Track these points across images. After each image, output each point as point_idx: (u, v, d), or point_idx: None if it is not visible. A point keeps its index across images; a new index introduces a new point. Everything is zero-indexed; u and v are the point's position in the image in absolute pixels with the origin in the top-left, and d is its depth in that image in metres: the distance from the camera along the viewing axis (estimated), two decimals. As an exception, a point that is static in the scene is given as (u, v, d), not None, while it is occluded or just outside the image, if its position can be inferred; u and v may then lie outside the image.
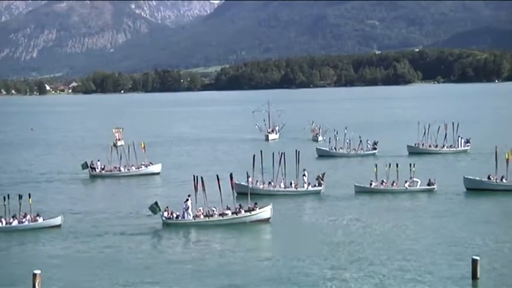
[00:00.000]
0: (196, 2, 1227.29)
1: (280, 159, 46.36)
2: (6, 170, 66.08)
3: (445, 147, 70.51)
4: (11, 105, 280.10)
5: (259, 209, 38.85)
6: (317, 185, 47.54)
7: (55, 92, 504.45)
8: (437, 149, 70.20)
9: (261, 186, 46.14)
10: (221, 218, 38.36)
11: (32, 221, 38.60)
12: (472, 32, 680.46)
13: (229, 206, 38.94)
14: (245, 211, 38.70)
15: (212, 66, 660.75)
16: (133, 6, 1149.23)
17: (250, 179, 44.27)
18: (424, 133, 70.61)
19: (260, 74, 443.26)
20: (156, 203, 38.72)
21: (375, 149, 70.13)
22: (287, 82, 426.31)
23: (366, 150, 69.95)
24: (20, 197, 38.88)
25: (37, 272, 26.30)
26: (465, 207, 42.52)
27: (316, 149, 72.14)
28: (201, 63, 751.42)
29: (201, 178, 38.62)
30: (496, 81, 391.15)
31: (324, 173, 48.84)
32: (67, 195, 50.45)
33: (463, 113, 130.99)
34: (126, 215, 41.91)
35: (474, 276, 27.46)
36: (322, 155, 69.96)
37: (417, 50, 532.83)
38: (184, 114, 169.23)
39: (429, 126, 71.44)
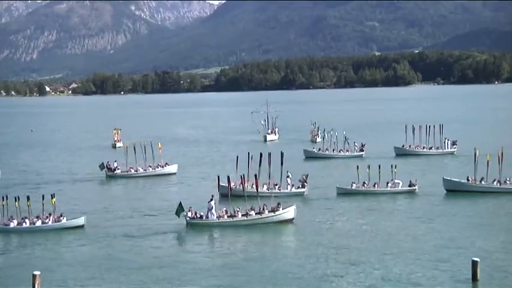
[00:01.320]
0: (196, 4, 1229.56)
1: (261, 160, 45.97)
2: (15, 171, 65.96)
3: (432, 149, 70.71)
4: (11, 107, 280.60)
5: (282, 209, 39.03)
6: (300, 186, 47.80)
7: (55, 93, 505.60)
8: (424, 150, 70.47)
9: (236, 187, 43.51)
10: (245, 218, 38.40)
11: (55, 222, 38.74)
12: (472, 34, 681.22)
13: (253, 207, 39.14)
14: (269, 211, 38.84)
15: (212, 68, 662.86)
16: (133, 7, 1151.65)
17: (233, 181, 43.55)
18: (411, 133, 71.09)
19: (260, 75, 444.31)
20: (179, 204, 38.47)
21: (362, 150, 70.40)
22: (287, 83, 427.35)
23: (353, 152, 70.39)
24: (43, 197, 39.21)
25: (37, 273, 26.34)
26: (445, 208, 42.67)
27: (304, 150, 72.33)
28: (201, 65, 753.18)
29: (228, 177, 38.83)
30: (496, 82, 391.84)
31: (308, 175, 49.04)
32: (86, 196, 50.54)
33: (461, 115, 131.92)
34: (148, 216, 41.95)
35: (474, 278, 27.26)
36: (309, 156, 70.19)
37: (417, 51, 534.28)
38: (183, 116, 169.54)
39: (412, 127, 71.57)
